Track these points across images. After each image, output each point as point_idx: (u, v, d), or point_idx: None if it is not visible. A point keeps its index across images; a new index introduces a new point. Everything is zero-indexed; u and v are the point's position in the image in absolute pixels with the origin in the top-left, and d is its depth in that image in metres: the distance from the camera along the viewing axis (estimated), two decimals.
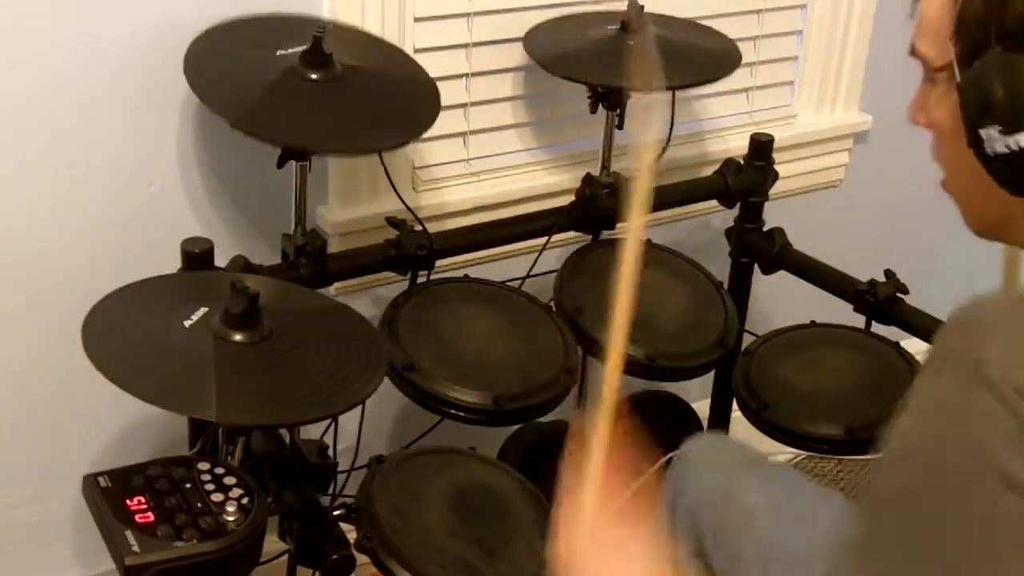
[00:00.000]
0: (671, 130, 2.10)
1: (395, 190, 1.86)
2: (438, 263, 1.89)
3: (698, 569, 1.49)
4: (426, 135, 1.84)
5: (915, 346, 2.03)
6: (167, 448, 1.80)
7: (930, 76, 1.05)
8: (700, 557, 1.49)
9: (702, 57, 1.98)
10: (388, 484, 1.65)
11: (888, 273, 2.02)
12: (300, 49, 1.65)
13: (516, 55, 2.03)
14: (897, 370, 1.98)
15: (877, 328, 2.03)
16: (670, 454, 1.72)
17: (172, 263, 1.64)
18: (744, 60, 2.06)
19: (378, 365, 1.50)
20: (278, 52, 1.66)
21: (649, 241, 2.13)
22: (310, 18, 1.77)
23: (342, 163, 1.92)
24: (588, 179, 2.05)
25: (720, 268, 2.17)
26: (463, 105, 2.03)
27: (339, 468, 1.70)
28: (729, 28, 2.13)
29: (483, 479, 1.77)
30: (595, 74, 1.91)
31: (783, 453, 2.61)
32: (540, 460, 2.06)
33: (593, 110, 1.97)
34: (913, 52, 1.07)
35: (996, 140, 0.98)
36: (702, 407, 2.33)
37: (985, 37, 0.98)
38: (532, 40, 1.97)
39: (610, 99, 1.96)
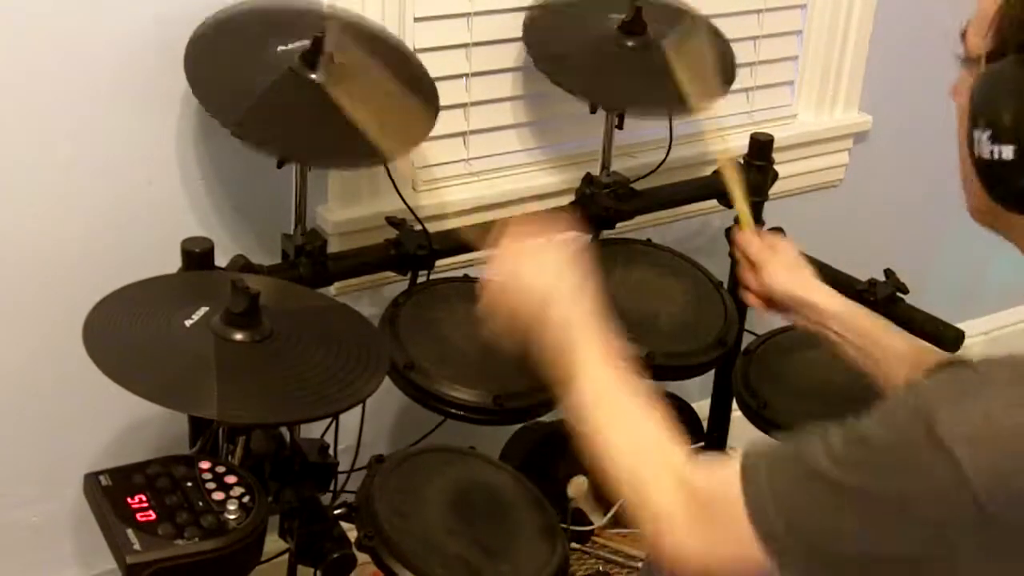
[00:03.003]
0: (671, 131, 2.10)
1: (396, 189, 1.85)
2: (438, 263, 1.89)
3: None
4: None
5: None
6: (168, 447, 1.80)
7: (968, 62, 1.07)
8: None
9: None
10: (388, 483, 1.65)
11: (888, 273, 2.02)
12: (300, 45, 1.65)
13: (516, 55, 2.04)
14: None
15: None
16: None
17: (172, 263, 1.64)
18: (744, 60, 2.06)
19: (378, 364, 1.50)
20: (279, 48, 1.66)
21: (649, 241, 2.13)
22: (309, 10, 1.76)
23: None
24: (588, 179, 2.05)
25: (720, 268, 2.17)
26: (463, 105, 2.03)
27: (340, 467, 1.70)
28: (729, 28, 2.13)
29: (484, 479, 1.77)
30: (596, 91, 1.92)
31: None
32: (541, 460, 2.07)
33: (593, 110, 1.97)
34: (963, 35, 1.10)
35: (984, 144, 1.01)
36: (702, 407, 2.33)
37: (1008, 43, 1.01)
38: (532, 37, 1.97)
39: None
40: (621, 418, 1.20)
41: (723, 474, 1.07)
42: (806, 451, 1.02)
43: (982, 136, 1.01)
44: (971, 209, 1.13)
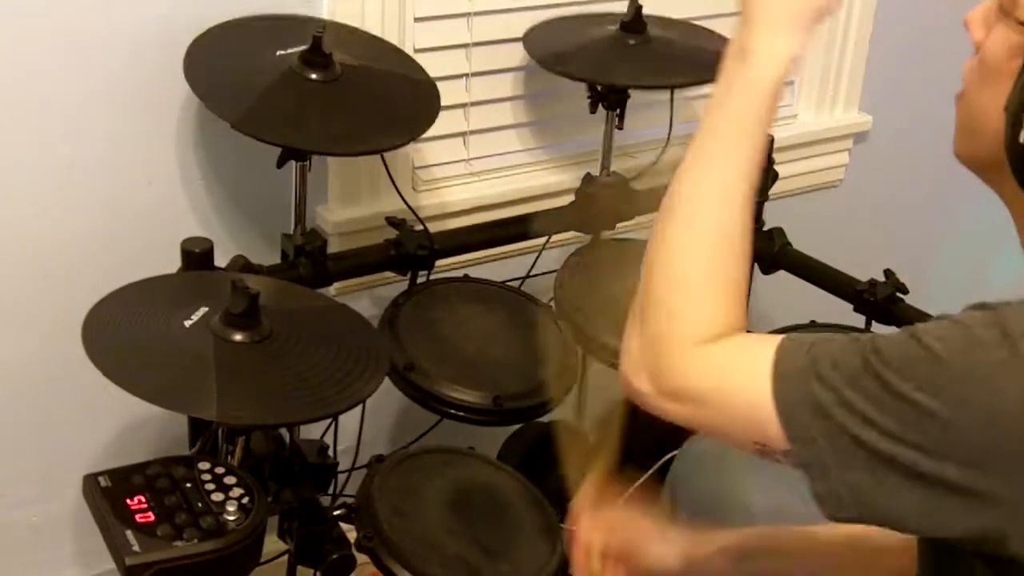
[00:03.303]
0: (671, 130, 2.10)
1: (396, 188, 1.85)
2: (438, 263, 1.89)
3: None
4: (426, 135, 1.82)
5: None
6: (167, 448, 1.80)
7: (1009, 14, 0.98)
8: None
9: (701, 57, 1.98)
10: (388, 484, 1.65)
11: (888, 273, 2.01)
12: (300, 49, 1.65)
13: (516, 55, 2.03)
14: None
15: (877, 328, 2.03)
16: (669, 454, 1.72)
17: (172, 263, 1.64)
18: None
19: (378, 365, 1.50)
20: (278, 52, 1.67)
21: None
22: (310, 18, 1.77)
23: (342, 163, 1.92)
24: (588, 179, 2.05)
25: None
26: (463, 105, 2.03)
27: (339, 468, 1.70)
28: (729, 28, 2.13)
29: (483, 479, 1.77)
30: (595, 73, 1.91)
31: None
32: (540, 460, 2.06)
33: (593, 110, 1.97)
34: None
35: None
36: None
37: None
38: (532, 39, 1.97)
39: (610, 99, 1.96)
40: (720, 223, 1.04)
41: (758, 351, 0.96)
42: (856, 343, 0.93)
43: None
44: (963, 152, 1.04)
